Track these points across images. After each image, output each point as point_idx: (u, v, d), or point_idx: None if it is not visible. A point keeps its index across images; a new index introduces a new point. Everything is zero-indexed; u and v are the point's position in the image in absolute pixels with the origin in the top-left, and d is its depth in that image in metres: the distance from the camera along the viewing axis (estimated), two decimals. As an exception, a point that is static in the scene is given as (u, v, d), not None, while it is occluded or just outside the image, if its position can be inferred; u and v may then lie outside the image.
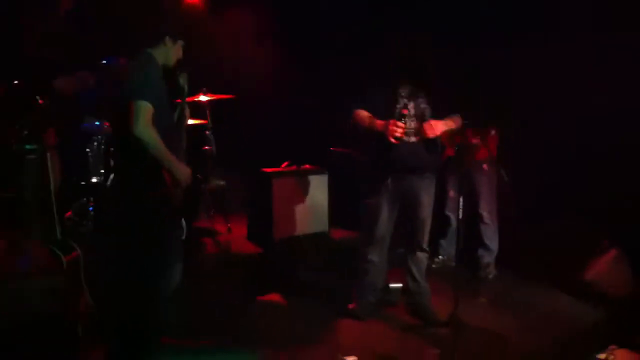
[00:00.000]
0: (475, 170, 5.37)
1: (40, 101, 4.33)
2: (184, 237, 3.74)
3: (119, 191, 3.81)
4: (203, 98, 6.31)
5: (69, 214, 5.68)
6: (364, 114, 4.39)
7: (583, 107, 5.50)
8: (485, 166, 5.33)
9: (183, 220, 3.74)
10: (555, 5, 5.70)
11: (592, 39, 5.47)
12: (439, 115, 4.30)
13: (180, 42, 3.67)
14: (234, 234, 6.34)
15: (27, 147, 4.31)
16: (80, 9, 6.38)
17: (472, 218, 5.45)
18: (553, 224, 5.56)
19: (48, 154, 4.08)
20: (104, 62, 5.67)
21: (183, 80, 3.86)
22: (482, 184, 5.39)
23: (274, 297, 5.01)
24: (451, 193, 5.52)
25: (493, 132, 5.14)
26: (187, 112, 3.96)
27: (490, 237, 5.45)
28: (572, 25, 5.59)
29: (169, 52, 3.63)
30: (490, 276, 5.43)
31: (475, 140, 4.99)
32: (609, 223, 5.24)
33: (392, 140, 4.16)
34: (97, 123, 5.78)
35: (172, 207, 3.64)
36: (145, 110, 3.29)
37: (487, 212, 5.42)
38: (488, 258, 5.46)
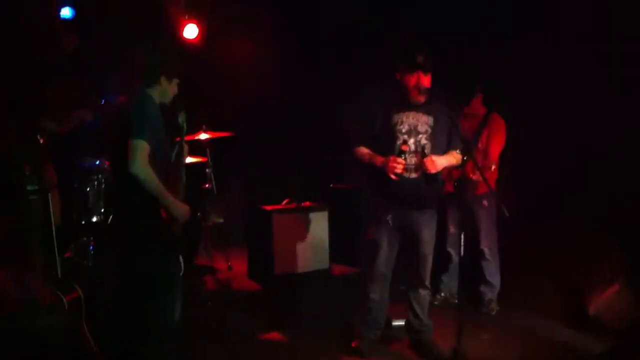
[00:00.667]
0: (475, 205, 5.37)
1: (41, 140, 4.35)
2: (181, 274, 3.74)
3: (119, 225, 3.83)
4: (203, 136, 6.34)
5: (69, 254, 5.66)
6: (364, 150, 4.40)
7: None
8: (485, 202, 5.34)
9: (181, 257, 3.75)
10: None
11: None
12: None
13: (175, 80, 3.73)
14: (235, 271, 6.32)
15: (29, 187, 4.32)
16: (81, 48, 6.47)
17: (474, 254, 5.44)
18: (570, 242, 5.56)
19: (50, 194, 4.09)
20: (104, 100, 5.72)
21: (182, 118, 3.90)
22: (482, 220, 5.38)
23: (276, 335, 4.98)
24: (451, 229, 5.51)
25: (493, 167, 5.16)
26: (186, 149, 4.00)
27: (492, 273, 5.44)
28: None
29: (165, 91, 3.69)
30: (493, 312, 5.40)
31: (474, 176, 4.99)
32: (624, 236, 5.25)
33: (392, 176, 4.18)
34: (97, 162, 5.80)
35: (170, 241, 3.65)
36: (142, 148, 3.34)
37: (488, 248, 5.41)
38: (490, 294, 5.44)
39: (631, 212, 5.17)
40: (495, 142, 5.31)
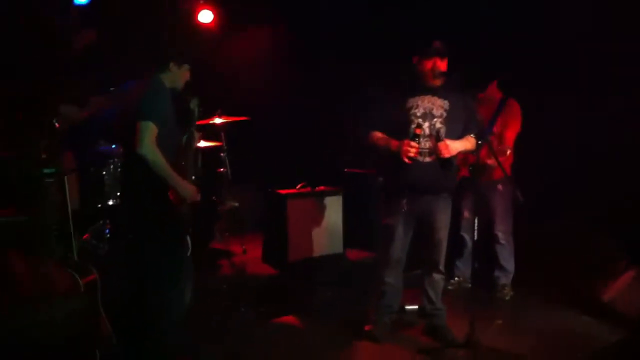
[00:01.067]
0: (490, 190, 5.35)
1: (57, 125, 4.37)
2: (188, 254, 3.80)
3: (127, 211, 3.90)
4: (218, 120, 6.35)
5: (86, 236, 5.71)
6: (378, 134, 4.41)
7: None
8: (500, 186, 5.32)
9: (188, 237, 3.81)
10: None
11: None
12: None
13: (186, 66, 3.78)
14: (249, 256, 6.34)
15: (46, 170, 4.35)
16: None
17: (488, 239, 5.43)
18: (570, 242, 5.55)
19: (66, 178, 4.12)
20: (122, 87, 5.74)
21: (194, 104, 3.95)
22: (497, 205, 5.37)
23: (290, 319, 5.01)
24: (466, 214, 5.50)
25: (508, 151, 5.13)
26: (197, 135, 4.04)
27: (507, 258, 5.42)
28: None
29: (176, 76, 3.76)
30: (507, 297, 5.39)
31: (490, 161, 4.97)
32: (624, 236, 5.23)
33: (406, 160, 4.17)
34: (113, 146, 5.83)
35: (178, 224, 3.71)
36: (149, 130, 3.42)
37: (502, 232, 5.39)
38: (504, 279, 5.43)
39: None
40: (511, 127, 5.29)
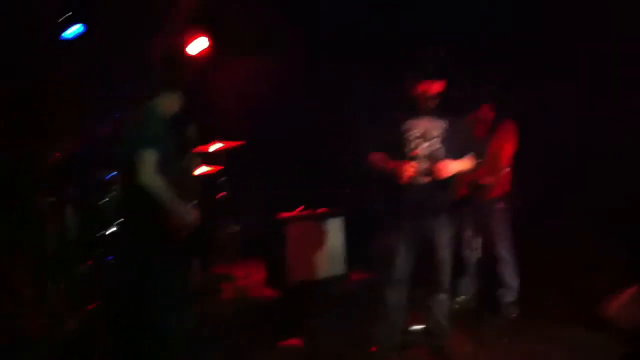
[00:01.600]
0: (489, 208, 5.35)
1: (57, 154, 4.41)
2: (193, 277, 3.81)
3: (130, 236, 3.91)
4: (217, 146, 6.37)
5: (86, 265, 5.70)
6: (377, 155, 4.42)
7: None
8: (499, 205, 5.32)
9: (192, 262, 3.83)
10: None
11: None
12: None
13: (178, 93, 3.82)
14: (252, 279, 6.33)
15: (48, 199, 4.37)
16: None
17: (491, 257, 5.43)
18: (573, 255, 5.55)
19: (67, 206, 4.14)
20: (116, 115, 5.79)
21: (191, 130, 3.98)
22: (497, 223, 5.36)
23: (294, 341, 4.98)
24: (467, 232, 5.50)
25: (507, 169, 5.14)
26: (195, 160, 4.07)
27: (510, 275, 5.40)
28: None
29: (170, 103, 3.81)
30: (512, 315, 5.37)
31: (487, 180, 4.98)
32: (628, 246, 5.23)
33: (404, 180, 4.18)
34: (113, 174, 5.83)
35: (179, 249, 3.73)
36: (150, 158, 3.47)
37: (505, 250, 5.38)
38: (509, 297, 5.40)
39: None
40: (507, 146, 5.30)
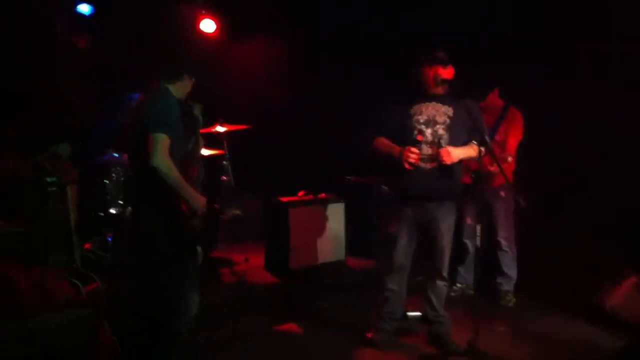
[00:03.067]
0: (493, 197, 5.36)
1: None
2: (200, 263, 3.79)
3: (138, 221, 3.87)
4: (220, 129, 6.36)
5: (88, 245, 5.72)
6: (382, 140, 4.43)
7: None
8: (502, 193, 5.33)
9: (199, 248, 3.80)
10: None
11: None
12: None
13: (190, 76, 3.81)
14: (251, 264, 6.33)
15: (48, 179, 4.37)
16: (97, 48, 6.57)
17: (490, 245, 5.43)
18: (572, 247, 5.55)
19: (69, 187, 4.14)
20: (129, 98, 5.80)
21: (197, 111, 3.96)
22: (499, 211, 5.38)
23: (292, 326, 5.01)
24: (468, 220, 5.50)
25: (510, 159, 5.13)
26: (201, 142, 4.05)
27: (509, 264, 5.42)
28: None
29: (184, 87, 3.79)
30: (510, 304, 5.39)
31: (492, 168, 4.97)
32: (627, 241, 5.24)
33: (407, 166, 4.18)
34: (115, 155, 5.84)
35: (189, 234, 3.70)
36: (162, 141, 3.41)
37: (505, 239, 5.40)
38: (507, 286, 5.42)
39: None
40: (513, 134, 5.31)
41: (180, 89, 3.75)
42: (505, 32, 5.96)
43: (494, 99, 5.42)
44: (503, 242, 5.39)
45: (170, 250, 3.64)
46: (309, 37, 7.37)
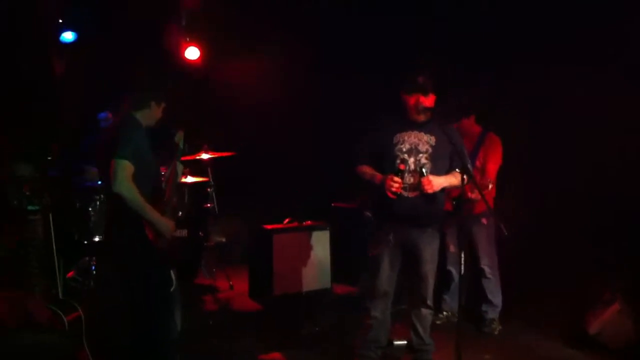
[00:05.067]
0: (474, 224, 5.37)
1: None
2: (172, 288, 3.78)
3: (108, 244, 3.90)
4: (204, 156, 6.37)
5: (71, 273, 5.68)
6: (365, 168, 4.44)
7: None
8: (484, 220, 5.35)
9: (172, 272, 3.81)
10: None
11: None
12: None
13: (162, 105, 3.85)
14: (236, 291, 6.31)
15: (30, 207, 4.34)
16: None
17: (474, 272, 5.44)
18: (555, 272, 5.58)
19: (50, 214, 4.12)
20: (100, 116, 5.83)
21: (178, 137, 3.98)
22: (481, 238, 5.38)
23: (276, 355, 4.95)
24: (451, 247, 5.51)
25: (490, 185, 5.16)
26: (180, 169, 4.08)
27: (493, 291, 5.42)
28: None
29: (153, 114, 3.82)
30: (495, 332, 5.37)
31: (472, 195, 4.99)
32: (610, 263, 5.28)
33: (390, 194, 4.20)
34: (99, 182, 5.82)
35: (157, 259, 3.71)
36: (123, 167, 3.46)
37: (488, 266, 5.40)
38: (492, 314, 5.42)
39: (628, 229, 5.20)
40: (493, 161, 5.34)
41: (147, 116, 3.79)
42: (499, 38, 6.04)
43: (470, 125, 5.46)
44: (487, 270, 5.39)
45: (139, 273, 3.66)
46: (294, 63, 7.42)
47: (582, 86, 5.50)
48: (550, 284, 5.67)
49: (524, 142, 5.65)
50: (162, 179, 3.89)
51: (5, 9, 6.15)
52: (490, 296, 5.42)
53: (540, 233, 5.80)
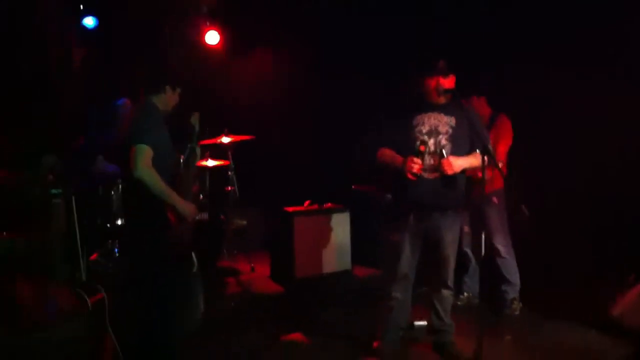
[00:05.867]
0: (485, 204, 5.32)
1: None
2: (194, 270, 3.82)
3: (130, 230, 3.94)
4: (225, 139, 6.39)
5: (94, 256, 5.74)
6: (386, 151, 4.44)
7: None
8: (495, 199, 5.30)
9: (193, 255, 3.84)
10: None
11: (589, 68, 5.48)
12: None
13: (178, 90, 3.87)
14: (257, 274, 6.35)
15: (53, 191, 4.40)
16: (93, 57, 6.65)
17: (489, 253, 5.41)
18: (576, 255, 5.54)
19: (74, 198, 4.16)
20: (115, 104, 5.86)
21: (194, 120, 4.00)
22: (492, 218, 5.33)
23: (297, 336, 5.00)
24: (466, 228, 5.47)
25: (500, 165, 5.10)
26: (198, 151, 4.10)
27: (510, 271, 5.38)
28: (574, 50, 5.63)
29: (168, 99, 3.85)
30: (517, 312, 5.35)
31: (474, 173, 4.93)
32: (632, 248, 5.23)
33: (410, 176, 4.19)
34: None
35: (179, 243, 3.75)
36: (143, 152, 3.49)
37: (502, 245, 5.34)
38: (512, 293, 5.39)
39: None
40: (503, 141, 5.30)
41: (164, 101, 3.82)
42: (499, 38, 5.99)
43: (481, 106, 5.41)
44: (501, 249, 5.35)
45: (161, 258, 3.69)
46: (314, 48, 7.40)
47: (582, 86, 5.45)
48: (572, 265, 5.64)
49: (524, 142, 5.61)
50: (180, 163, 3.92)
51: (5, 9, 6.19)
52: (507, 275, 5.37)
53: (540, 233, 5.76)
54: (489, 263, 5.33)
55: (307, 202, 6.29)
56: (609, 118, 5.36)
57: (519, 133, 5.42)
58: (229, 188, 6.58)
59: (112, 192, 5.81)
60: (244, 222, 6.86)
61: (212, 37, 7.36)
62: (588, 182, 5.63)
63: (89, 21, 6.82)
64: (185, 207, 3.69)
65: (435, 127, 4.34)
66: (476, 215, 5.34)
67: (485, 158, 4.19)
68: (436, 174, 4.29)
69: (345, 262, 6.16)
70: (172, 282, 3.74)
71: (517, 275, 5.41)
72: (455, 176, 4.30)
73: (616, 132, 5.37)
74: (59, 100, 6.23)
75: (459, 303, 5.43)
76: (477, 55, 5.96)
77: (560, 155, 5.85)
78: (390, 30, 6.69)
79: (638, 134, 5.25)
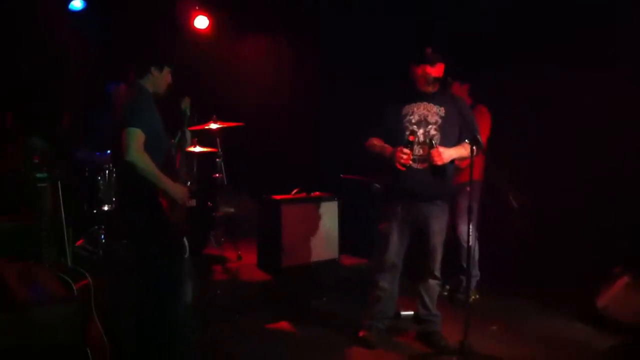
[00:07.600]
0: (458, 192, 5.29)
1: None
2: (186, 256, 3.80)
3: (122, 215, 3.91)
4: (213, 126, 6.35)
5: (80, 242, 5.71)
6: (375, 140, 4.43)
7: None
8: (467, 188, 5.29)
9: (185, 240, 3.82)
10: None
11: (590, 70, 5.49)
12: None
13: (167, 69, 3.81)
14: (244, 261, 6.33)
15: (39, 175, 4.34)
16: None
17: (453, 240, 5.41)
18: (564, 247, 5.56)
19: (59, 182, 4.12)
20: (109, 87, 5.81)
21: (185, 104, 3.97)
22: (461, 206, 5.33)
23: (284, 324, 5.00)
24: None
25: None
26: (189, 135, 4.07)
27: (469, 260, 5.34)
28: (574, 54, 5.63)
29: (157, 80, 3.79)
30: (470, 300, 5.30)
31: (462, 164, 4.90)
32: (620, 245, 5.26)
33: (399, 166, 4.18)
34: (107, 152, 5.82)
35: (171, 228, 3.72)
36: (135, 136, 3.45)
37: (465, 234, 5.26)
38: (467, 282, 5.35)
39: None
40: (482, 132, 5.28)
41: (153, 83, 3.77)
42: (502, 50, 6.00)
43: (462, 94, 5.39)
44: (462, 237, 5.35)
45: (155, 243, 3.67)
46: (304, 35, 7.36)
47: (582, 86, 5.46)
48: (559, 258, 5.67)
49: (524, 142, 5.62)
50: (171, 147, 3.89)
51: (5, 9, 6.13)
52: (464, 264, 5.33)
53: (539, 233, 5.78)
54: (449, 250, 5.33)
55: (295, 190, 6.27)
56: (609, 118, 5.38)
57: (519, 133, 5.44)
58: (217, 175, 6.55)
59: (99, 178, 5.77)
60: (232, 210, 6.82)
61: (201, 22, 7.31)
62: (588, 182, 5.64)
63: (77, 3, 6.76)
64: (178, 191, 3.67)
65: (425, 117, 4.34)
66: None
67: (474, 148, 4.19)
68: (425, 164, 4.29)
69: (333, 251, 6.14)
70: (166, 266, 3.71)
71: (476, 266, 5.41)
72: (444, 166, 4.29)
73: (616, 132, 5.38)
74: (59, 100, 6.20)
75: (445, 293, 5.44)
76: (477, 55, 5.95)
77: (560, 155, 5.86)
78: (390, 30, 6.65)
79: (638, 134, 5.26)
